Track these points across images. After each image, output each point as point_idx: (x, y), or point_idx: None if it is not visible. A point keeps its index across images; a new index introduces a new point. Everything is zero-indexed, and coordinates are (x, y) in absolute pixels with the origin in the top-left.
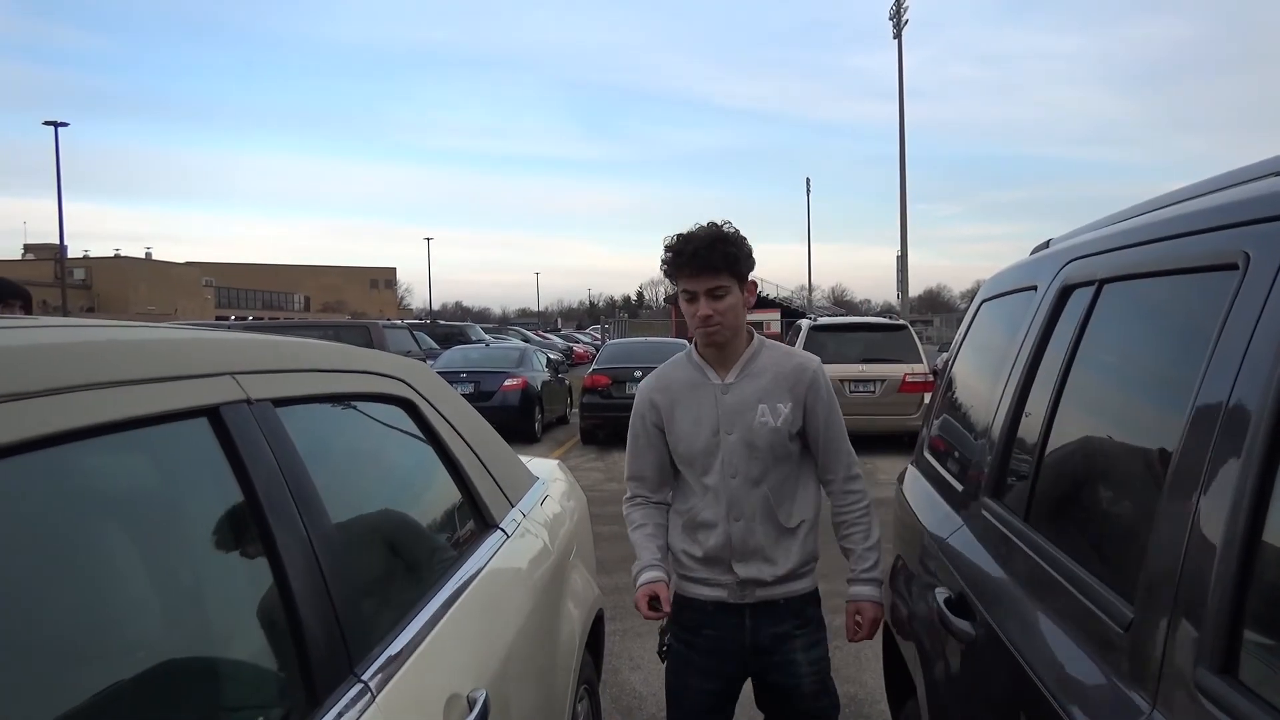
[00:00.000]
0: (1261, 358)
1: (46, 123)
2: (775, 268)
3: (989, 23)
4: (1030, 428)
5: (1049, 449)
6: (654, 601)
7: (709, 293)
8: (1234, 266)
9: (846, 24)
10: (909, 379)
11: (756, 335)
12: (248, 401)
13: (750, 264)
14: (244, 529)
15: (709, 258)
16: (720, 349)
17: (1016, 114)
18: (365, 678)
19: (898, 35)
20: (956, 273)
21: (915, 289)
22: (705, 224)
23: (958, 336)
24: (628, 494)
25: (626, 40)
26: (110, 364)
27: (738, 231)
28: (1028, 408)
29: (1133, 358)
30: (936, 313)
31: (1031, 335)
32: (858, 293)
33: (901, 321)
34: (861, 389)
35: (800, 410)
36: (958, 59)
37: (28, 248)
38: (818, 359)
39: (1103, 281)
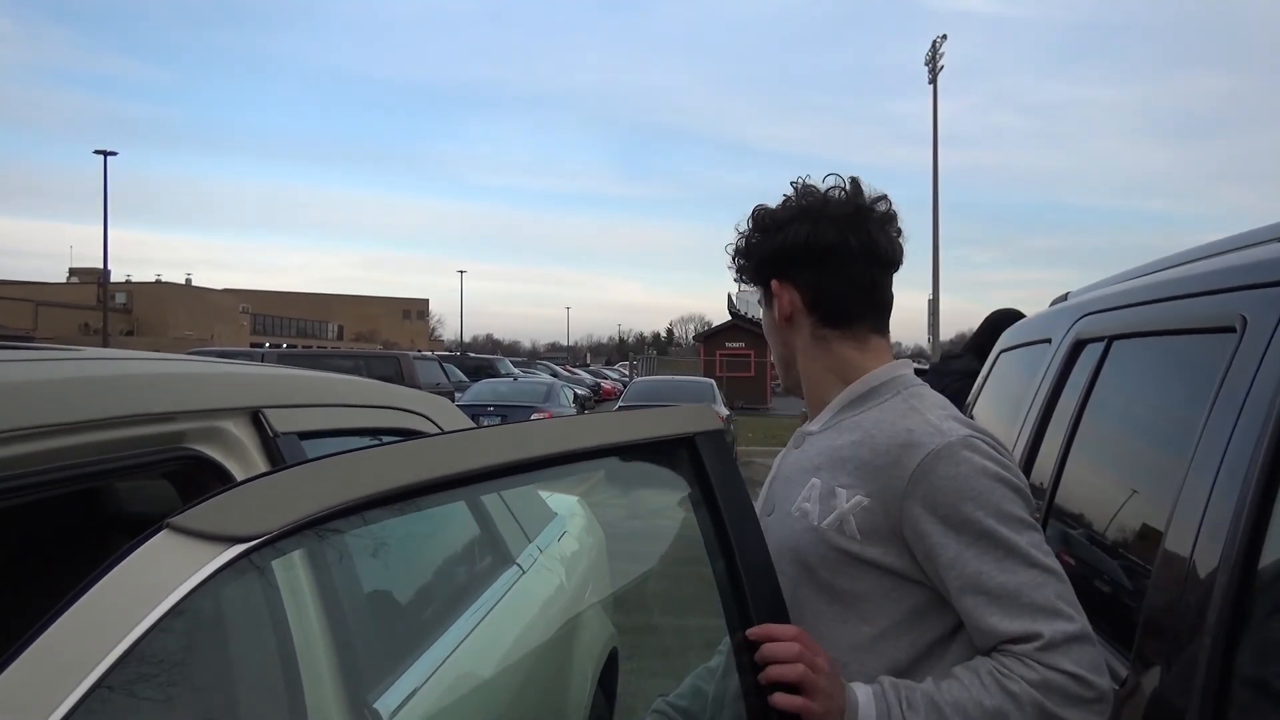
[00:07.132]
0: (1254, 420)
1: (97, 151)
2: None
3: (1032, 72)
4: (1039, 481)
5: (1055, 503)
6: None
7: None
8: (1231, 329)
9: (885, 70)
10: None
11: (883, 374)
12: (274, 435)
13: (777, 257)
14: None
15: (736, 259)
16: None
17: (1057, 162)
18: (378, 706)
19: (933, 80)
20: None
21: (947, 333)
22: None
23: (977, 385)
24: None
25: (669, 83)
26: (143, 397)
27: (788, 200)
28: (1038, 461)
29: (1138, 416)
30: None
31: (1044, 389)
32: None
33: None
34: None
35: (885, 517)
36: (999, 106)
37: (73, 271)
38: (961, 432)
39: (1112, 338)
